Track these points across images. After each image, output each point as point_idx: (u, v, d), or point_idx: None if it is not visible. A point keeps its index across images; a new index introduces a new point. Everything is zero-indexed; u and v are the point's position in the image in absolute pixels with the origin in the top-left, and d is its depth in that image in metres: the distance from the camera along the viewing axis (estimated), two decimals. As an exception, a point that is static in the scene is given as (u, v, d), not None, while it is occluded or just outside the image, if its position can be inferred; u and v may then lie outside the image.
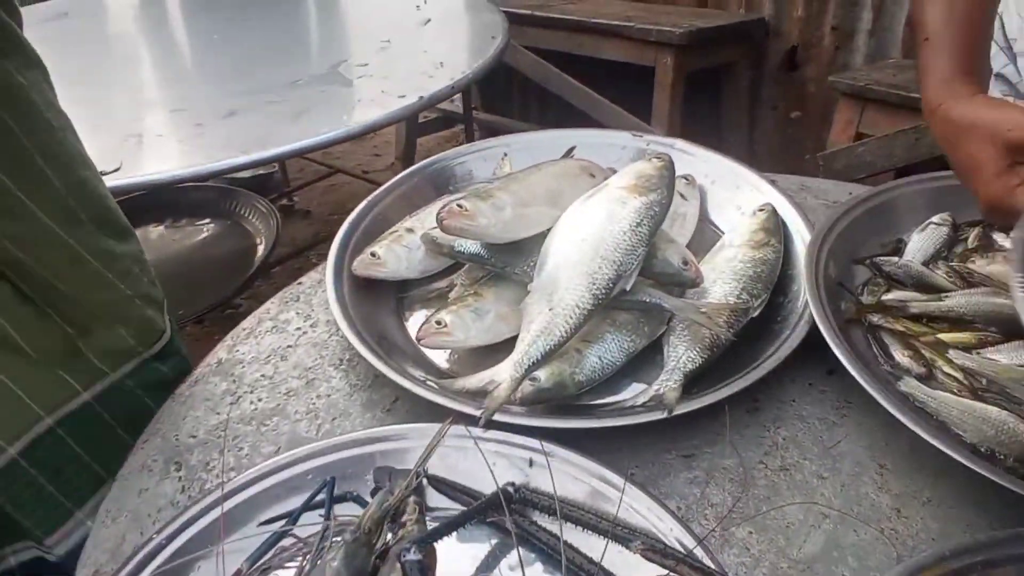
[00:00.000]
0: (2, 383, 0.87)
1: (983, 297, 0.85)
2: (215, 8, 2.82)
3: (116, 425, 0.96)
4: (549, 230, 0.90)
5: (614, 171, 1.07)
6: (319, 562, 0.61)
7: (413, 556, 0.56)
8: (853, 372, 0.75)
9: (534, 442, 0.72)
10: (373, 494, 0.71)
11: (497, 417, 0.75)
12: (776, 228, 0.99)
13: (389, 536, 0.62)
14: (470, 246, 0.93)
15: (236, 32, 2.50)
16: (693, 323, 0.85)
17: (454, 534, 0.62)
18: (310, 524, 0.68)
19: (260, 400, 0.89)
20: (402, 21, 2.35)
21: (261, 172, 3.27)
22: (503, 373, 0.79)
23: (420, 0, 2.46)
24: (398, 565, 0.56)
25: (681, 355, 0.83)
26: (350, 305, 0.95)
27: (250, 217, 2.30)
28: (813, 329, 0.83)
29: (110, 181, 1.12)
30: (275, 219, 2.20)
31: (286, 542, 0.68)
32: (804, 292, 0.87)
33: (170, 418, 0.88)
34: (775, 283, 0.94)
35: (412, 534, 0.61)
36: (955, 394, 0.76)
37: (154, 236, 2.37)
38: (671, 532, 0.64)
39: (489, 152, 1.23)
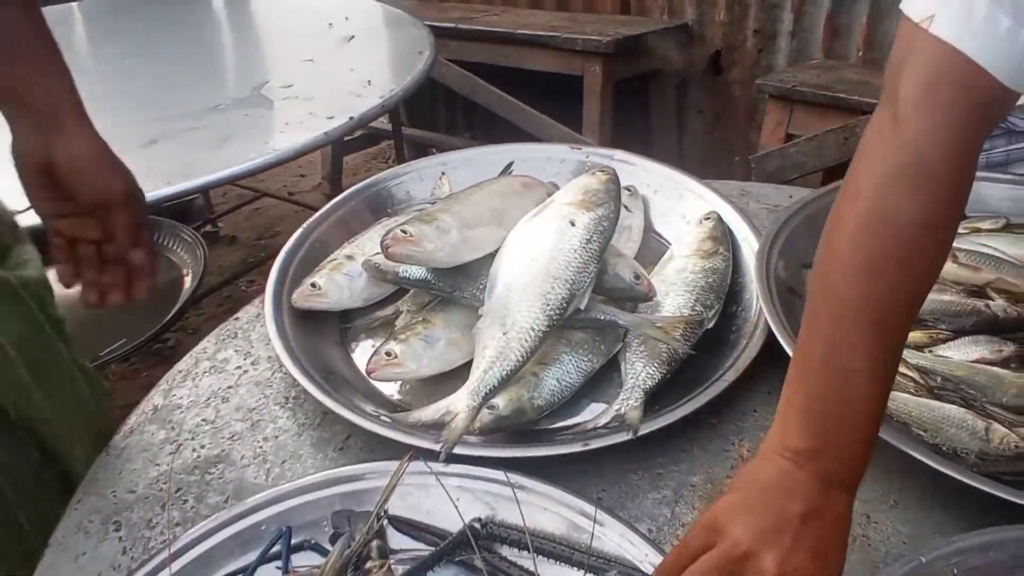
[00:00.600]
0: None
1: (932, 294, 0.86)
2: (122, 31, 2.69)
3: None
4: (497, 251, 0.88)
5: (556, 185, 1.06)
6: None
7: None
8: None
9: (498, 473, 0.70)
10: (333, 541, 0.67)
11: (457, 450, 0.72)
12: (723, 236, 0.99)
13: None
14: (416, 271, 0.90)
15: (150, 56, 2.38)
16: (649, 338, 0.84)
17: (424, 580, 0.59)
18: (267, 580, 0.64)
19: (203, 447, 0.84)
20: (323, 39, 2.29)
21: (183, 199, 3.16)
22: (459, 403, 0.76)
23: (332, 19, 2.39)
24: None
25: (639, 372, 0.82)
26: (292, 339, 0.90)
27: (174, 248, 2.20)
28: (769, 336, 0.82)
29: (24, 220, 1.04)
30: (201, 249, 2.10)
31: (243, 602, 0.64)
32: (757, 300, 0.87)
33: (105, 472, 0.82)
34: (727, 292, 0.93)
35: (379, 585, 0.58)
36: (912, 394, 0.77)
37: (73, 272, 2.24)
38: (646, 558, 0.63)
39: (426, 171, 1.20)
